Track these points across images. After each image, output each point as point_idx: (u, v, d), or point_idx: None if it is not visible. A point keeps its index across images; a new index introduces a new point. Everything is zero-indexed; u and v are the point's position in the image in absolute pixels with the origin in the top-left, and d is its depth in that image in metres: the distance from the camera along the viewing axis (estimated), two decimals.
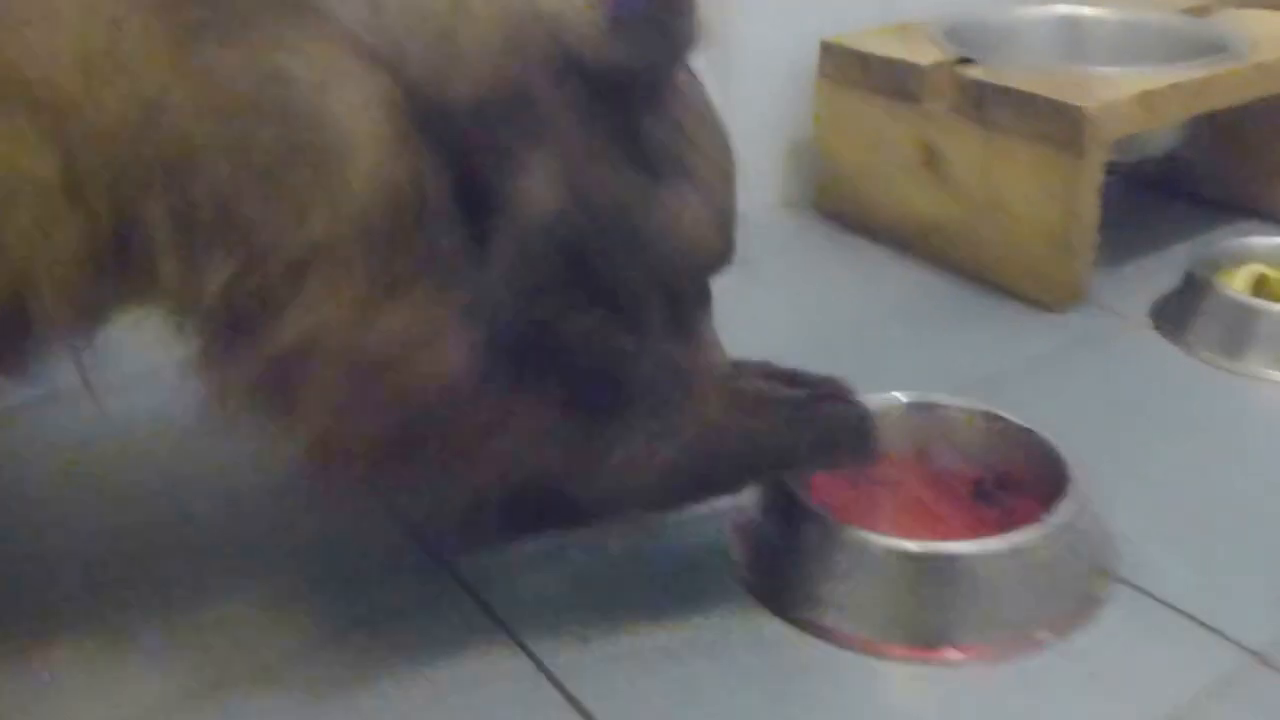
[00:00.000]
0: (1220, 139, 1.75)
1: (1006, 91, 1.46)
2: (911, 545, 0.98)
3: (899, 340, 1.45)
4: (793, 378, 1.04)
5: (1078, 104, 1.40)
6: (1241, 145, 1.74)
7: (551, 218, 0.86)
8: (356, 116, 0.79)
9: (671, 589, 1.03)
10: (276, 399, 0.83)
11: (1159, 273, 1.55)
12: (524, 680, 0.94)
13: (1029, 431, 1.10)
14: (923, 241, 1.63)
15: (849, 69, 1.65)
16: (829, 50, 1.68)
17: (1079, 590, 1.01)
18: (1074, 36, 1.77)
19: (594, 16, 0.85)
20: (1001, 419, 1.13)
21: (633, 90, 0.88)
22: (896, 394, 1.16)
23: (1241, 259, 1.50)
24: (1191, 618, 1.00)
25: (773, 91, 1.76)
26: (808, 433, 0.99)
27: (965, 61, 1.56)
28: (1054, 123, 1.42)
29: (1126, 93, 1.43)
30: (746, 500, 1.08)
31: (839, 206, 1.74)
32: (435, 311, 0.84)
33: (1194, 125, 1.68)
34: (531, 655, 0.96)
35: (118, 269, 0.80)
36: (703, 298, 1.03)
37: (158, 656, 0.98)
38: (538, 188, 0.85)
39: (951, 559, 0.97)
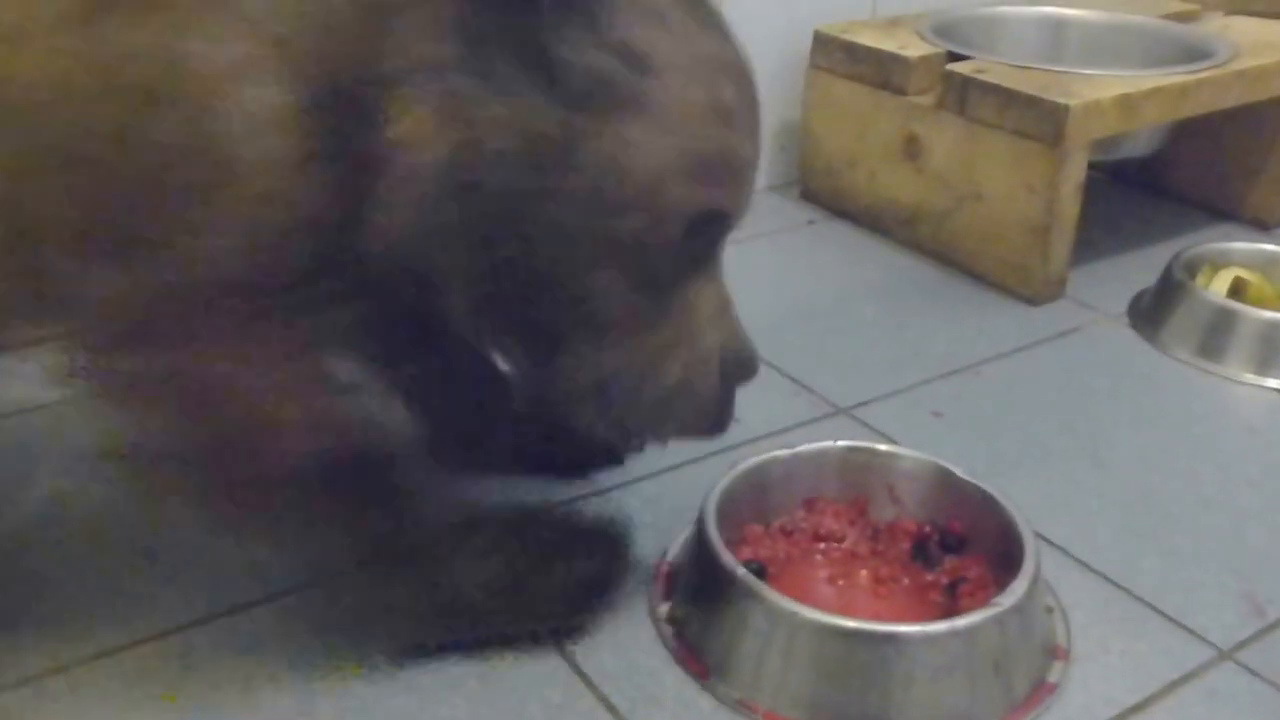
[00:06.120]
0: (1202, 142, 1.77)
1: (990, 87, 1.48)
2: (848, 622, 0.89)
3: (876, 324, 1.48)
4: None
5: (1060, 102, 1.42)
6: (1223, 149, 1.77)
7: (431, 168, 0.75)
8: (263, 120, 0.72)
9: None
10: (135, 407, 0.81)
11: (1137, 271, 1.58)
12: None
13: (978, 486, 1.03)
14: (904, 229, 1.65)
15: (839, 59, 1.68)
16: (821, 40, 1.70)
17: (1031, 675, 0.93)
18: (1059, 37, 1.79)
19: None
20: (950, 473, 1.05)
21: (533, 6, 0.75)
22: (838, 442, 1.08)
23: (1220, 262, 1.52)
24: (1159, 611, 1.01)
25: (764, 77, 1.75)
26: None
27: (952, 57, 1.58)
28: (1036, 120, 1.44)
29: (1107, 94, 1.45)
30: (675, 550, 1.04)
31: (824, 191, 1.77)
32: (297, 366, 0.81)
33: (1177, 127, 1.70)
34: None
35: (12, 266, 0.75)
36: (690, 257, 0.87)
37: (176, 578, 1.01)
38: (410, 135, 0.74)
39: (889, 640, 0.88)
